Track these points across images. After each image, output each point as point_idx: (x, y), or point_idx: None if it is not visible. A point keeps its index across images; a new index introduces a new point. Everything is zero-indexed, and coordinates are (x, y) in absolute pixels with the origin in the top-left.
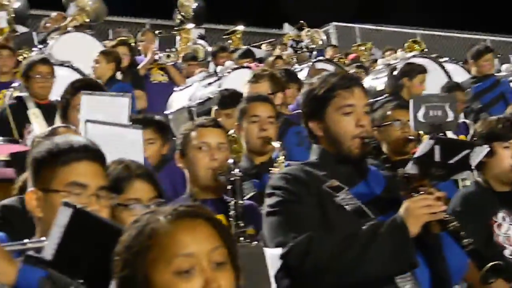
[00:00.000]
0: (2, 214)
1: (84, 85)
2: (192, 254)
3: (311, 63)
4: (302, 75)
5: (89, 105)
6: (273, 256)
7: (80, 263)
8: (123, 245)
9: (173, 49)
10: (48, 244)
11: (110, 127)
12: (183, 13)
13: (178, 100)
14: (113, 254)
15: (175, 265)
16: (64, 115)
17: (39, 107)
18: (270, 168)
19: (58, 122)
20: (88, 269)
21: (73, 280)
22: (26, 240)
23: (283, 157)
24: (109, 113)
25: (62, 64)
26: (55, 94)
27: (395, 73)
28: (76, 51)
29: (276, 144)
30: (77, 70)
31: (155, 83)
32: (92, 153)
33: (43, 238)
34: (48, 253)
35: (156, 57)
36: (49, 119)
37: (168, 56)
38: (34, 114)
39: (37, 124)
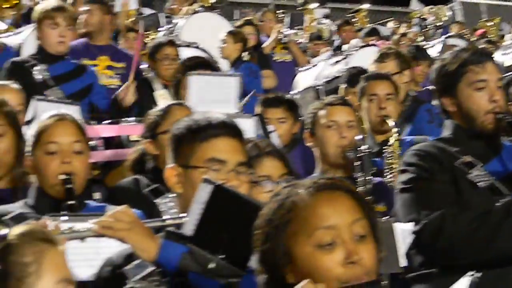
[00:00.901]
0: (117, 196)
1: (194, 63)
2: (333, 227)
3: (442, 39)
4: (433, 52)
5: (198, 85)
6: (404, 231)
7: (220, 239)
8: (264, 219)
9: (301, 28)
10: (189, 220)
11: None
12: None
13: (304, 79)
14: (254, 228)
15: (316, 238)
16: (176, 93)
17: (165, 88)
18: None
19: None
20: (229, 245)
21: (214, 255)
22: (166, 217)
23: (397, 134)
24: (218, 93)
25: (188, 45)
26: None
27: None
28: (203, 32)
29: (391, 123)
30: (204, 50)
31: (279, 62)
32: (230, 129)
33: (183, 215)
34: (188, 229)
35: (280, 35)
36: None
37: (296, 34)
38: (161, 95)
39: None
